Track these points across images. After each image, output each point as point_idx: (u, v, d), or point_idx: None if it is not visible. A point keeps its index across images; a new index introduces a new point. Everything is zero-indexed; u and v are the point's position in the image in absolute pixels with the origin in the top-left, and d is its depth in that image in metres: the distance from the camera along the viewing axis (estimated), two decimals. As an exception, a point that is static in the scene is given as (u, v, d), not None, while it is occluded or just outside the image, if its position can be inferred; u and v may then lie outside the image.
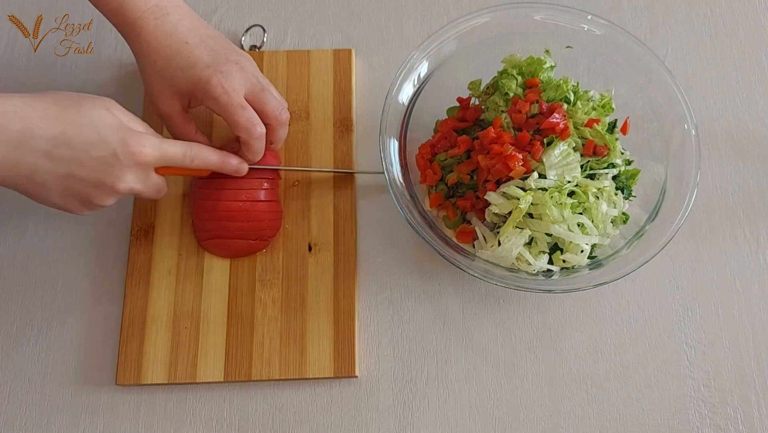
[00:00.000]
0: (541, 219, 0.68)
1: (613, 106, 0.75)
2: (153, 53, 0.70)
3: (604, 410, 0.71)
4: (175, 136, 0.74)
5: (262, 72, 0.82)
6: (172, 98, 0.71)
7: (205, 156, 0.69)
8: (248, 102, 0.71)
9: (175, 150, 0.67)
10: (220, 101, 0.69)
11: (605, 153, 0.71)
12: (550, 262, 0.70)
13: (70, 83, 0.84)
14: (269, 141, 0.74)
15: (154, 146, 0.65)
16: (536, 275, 0.70)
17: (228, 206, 0.73)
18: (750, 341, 0.74)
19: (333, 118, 0.81)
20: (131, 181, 0.64)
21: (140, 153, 0.64)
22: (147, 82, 0.72)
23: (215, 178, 0.74)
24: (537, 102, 0.72)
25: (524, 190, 0.68)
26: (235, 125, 0.70)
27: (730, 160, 0.81)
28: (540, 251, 0.69)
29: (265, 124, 0.72)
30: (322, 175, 0.79)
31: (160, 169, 0.68)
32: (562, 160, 0.69)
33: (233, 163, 0.72)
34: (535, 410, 0.71)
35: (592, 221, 0.69)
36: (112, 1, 0.69)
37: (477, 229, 0.72)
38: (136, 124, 0.66)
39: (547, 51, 0.76)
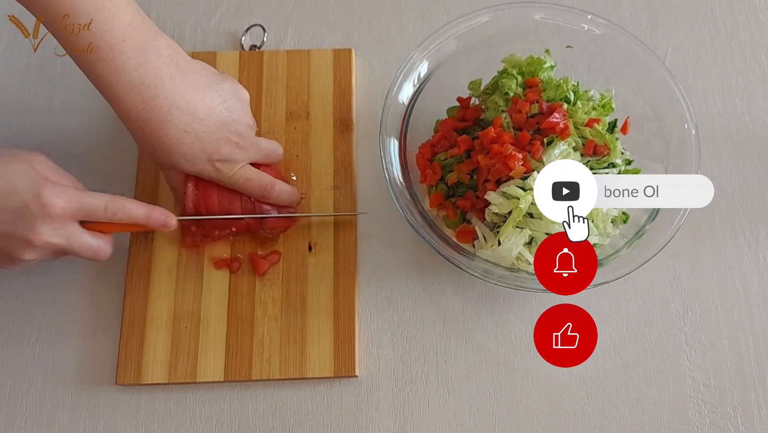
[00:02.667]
0: (541, 219, 0.68)
1: (613, 105, 0.75)
2: (149, 139, 0.66)
3: (603, 410, 0.71)
4: (176, 189, 0.74)
5: (262, 72, 0.83)
6: (177, 174, 0.72)
7: (128, 210, 0.66)
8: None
9: (96, 202, 0.64)
10: (237, 185, 0.72)
11: (605, 153, 0.71)
12: (550, 261, 0.70)
13: (69, 83, 0.84)
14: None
15: (70, 198, 0.62)
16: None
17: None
18: (750, 340, 0.74)
19: (333, 117, 0.81)
20: (47, 235, 0.61)
21: (52, 204, 0.61)
22: (140, 148, 0.71)
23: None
24: (537, 102, 0.72)
25: (524, 189, 0.68)
26: (251, 194, 0.73)
27: (730, 160, 0.81)
28: (540, 251, 0.69)
29: None
30: (322, 175, 0.79)
31: (94, 226, 0.66)
32: (562, 159, 0.69)
33: (159, 218, 0.68)
34: (535, 410, 0.71)
35: (592, 221, 0.69)
36: (93, 69, 0.64)
37: (477, 228, 0.72)
38: (61, 178, 0.64)
39: (547, 51, 0.76)
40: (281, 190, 0.74)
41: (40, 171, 0.62)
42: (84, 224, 0.65)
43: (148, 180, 0.79)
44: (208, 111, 0.68)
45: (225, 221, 0.73)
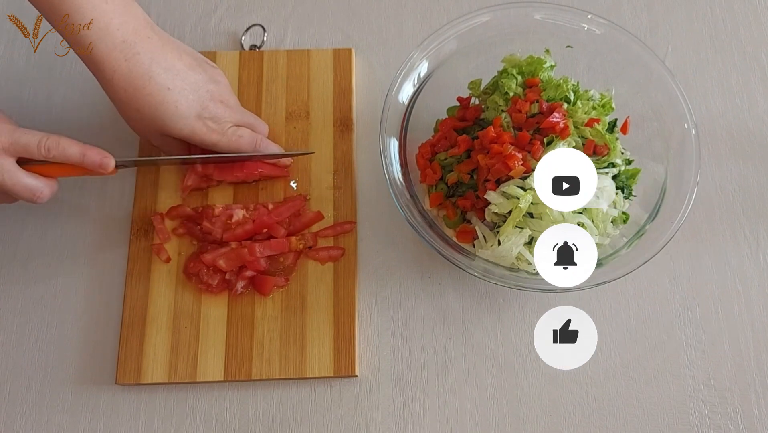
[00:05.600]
0: (541, 218, 0.68)
1: (613, 105, 0.74)
2: (133, 102, 0.67)
3: (604, 410, 0.71)
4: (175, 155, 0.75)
5: (262, 72, 0.83)
6: (162, 137, 0.72)
7: (63, 147, 0.65)
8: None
9: (28, 139, 0.64)
10: (220, 145, 0.72)
11: (605, 153, 0.71)
12: (550, 261, 0.70)
13: (70, 83, 0.84)
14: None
15: (2, 131, 0.62)
16: (536, 274, 0.70)
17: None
18: (750, 340, 0.74)
19: (333, 117, 0.81)
20: None
21: None
22: (130, 124, 0.71)
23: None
24: (537, 101, 0.72)
25: (524, 189, 0.68)
26: (240, 151, 0.74)
27: (730, 160, 0.81)
28: (540, 251, 0.69)
29: None
30: (322, 175, 0.79)
31: (34, 168, 0.66)
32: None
33: (95, 158, 0.66)
34: (535, 410, 0.71)
35: (592, 221, 0.69)
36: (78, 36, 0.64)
37: (477, 228, 0.72)
38: None
39: (547, 50, 0.76)
40: (269, 142, 0.76)
41: None
42: (26, 165, 0.65)
43: (149, 173, 0.79)
44: (187, 68, 0.70)
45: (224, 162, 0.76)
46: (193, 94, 0.69)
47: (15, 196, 0.66)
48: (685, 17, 0.89)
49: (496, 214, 0.70)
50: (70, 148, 0.65)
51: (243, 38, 0.87)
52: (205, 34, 0.87)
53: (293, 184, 0.79)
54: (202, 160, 0.75)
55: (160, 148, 0.75)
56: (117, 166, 0.69)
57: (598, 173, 0.71)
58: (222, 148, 0.73)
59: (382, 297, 0.75)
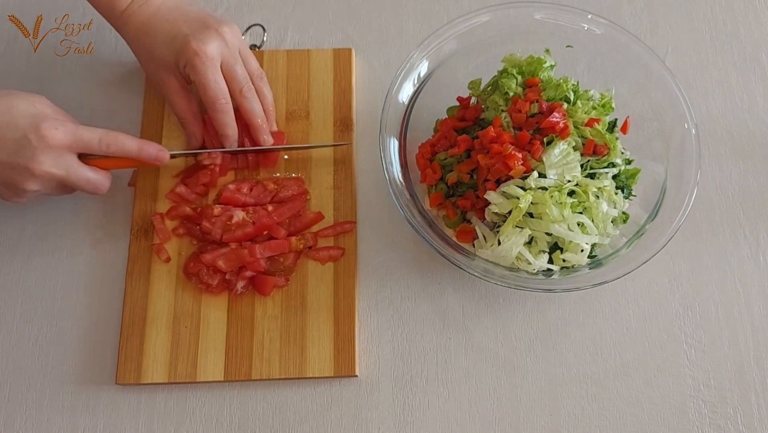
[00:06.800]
0: (541, 218, 0.68)
1: (613, 105, 0.75)
2: (141, 36, 0.74)
3: (604, 409, 0.71)
4: (179, 115, 0.77)
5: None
6: (167, 75, 0.75)
7: (121, 142, 0.70)
8: (222, 69, 0.74)
9: (90, 135, 0.69)
10: (195, 68, 0.72)
11: (605, 152, 0.71)
12: (550, 261, 0.70)
13: (70, 83, 0.84)
14: (253, 133, 0.77)
15: (67, 130, 0.67)
16: (536, 274, 0.70)
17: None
18: (750, 340, 0.74)
19: (333, 117, 0.81)
20: (47, 165, 0.66)
21: (51, 136, 0.66)
22: (142, 63, 0.77)
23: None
24: (537, 101, 0.72)
25: (524, 189, 0.68)
26: (204, 96, 0.73)
27: (730, 160, 0.81)
28: (540, 251, 0.69)
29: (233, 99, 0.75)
30: (322, 175, 0.79)
31: (93, 162, 0.70)
32: (562, 159, 0.69)
33: (151, 152, 0.72)
34: (535, 409, 0.71)
35: (592, 221, 0.69)
36: None
37: (477, 228, 0.72)
38: (60, 115, 0.69)
39: (547, 50, 0.76)
40: (239, 70, 0.76)
41: (39, 108, 0.68)
42: (83, 159, 0.70)
43: (149, 173, 0.79)
44: (195, 8, 0.76)
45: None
46: (187, 22, 0.74)
47: (78, 189, 0.71)
48: (685, 17, 0.89)
49: (496, 214, 0.70)
50: (128, 143, 0.71)
51: (243, 38, 0.86)
52: (205, 34, 0.87)
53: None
54: (233, 152, 0.77)
55: (166, 100, 0.78)
56: (171, 157, 0.74)
57: (598, 173, 0.71)
58: (196, 73, 0.72)
59: (382, 297, 0.75)
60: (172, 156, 0.74)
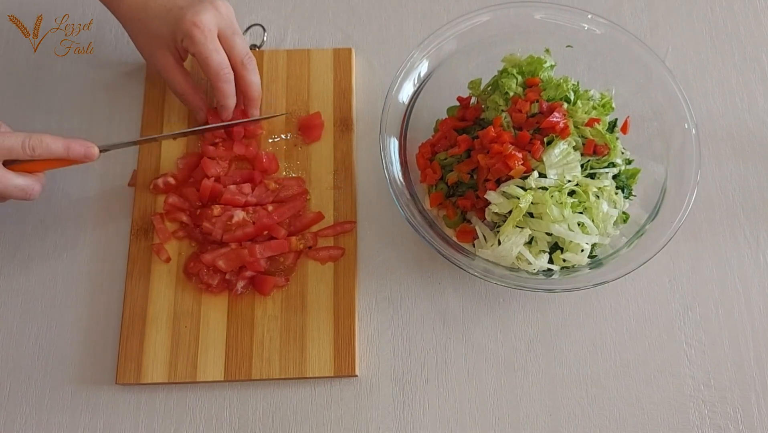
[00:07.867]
0: (541, 218, 0.68)
1: (614, 105, 0.75)
2: (135, 13, 0.73)
3: (603, 409, 0.71)
4: (176, 92, 0.77)
5: (262, 72, 0.83)
6: (162, 51, 0.74)
7: (46, 144, 0.67)
8: (220, 41, 0.73)
9: (12, 141, 0.66)
10: (194, 39, 0.71)
11: (605, 152, 0.71)
12: (551, 261, 0.70)
13: (70, 83, 0.84)
14: (246, 104, 0.77)
15: None
16: (536, 274, 0.70)
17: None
18: (750, 340, 0.74)
19: (333, 117, 0.81)
20: None
21: None
22: (137, 44, 0.76)
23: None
24: (537, 101, 0.72)
25: (524, 189, 0.68)
26: (206, 66, 0.72)
27: (730, 160, 0.81)
28: (540, 250, 0.69)
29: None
30: (322, 175, 0.79)
31: (21, 167, 0.68)
32: (562, 159, 0.69)
33: (79, 150, 0.69)
34: (535, 409, 0.71)
35: (593, 221, 0.69)
36: None
37: (477, 228, 0.72)
38: None
39: (547, 50, 0.76)
40: (239, 39, 0.75)
41: None
42: (11, 165, 0.67)
43: (149, 174, 0.79)
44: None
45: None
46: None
47: (8, 197, 0.68)
48: (685, 17, 0.89)
49: (496, 214, 0.70)
50: (54, 144, 0.68)
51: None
52: (205, 34, 0.87)
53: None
54: (175, 135, 0.78)
55: (162, 77, 0.77)
56: (101, 151, 0.71)
57: (598, 173, 0.71)
58: (195, 45, 0.72)
59: (382, 297, 0.75)
60: (102, 149, 0.71)
